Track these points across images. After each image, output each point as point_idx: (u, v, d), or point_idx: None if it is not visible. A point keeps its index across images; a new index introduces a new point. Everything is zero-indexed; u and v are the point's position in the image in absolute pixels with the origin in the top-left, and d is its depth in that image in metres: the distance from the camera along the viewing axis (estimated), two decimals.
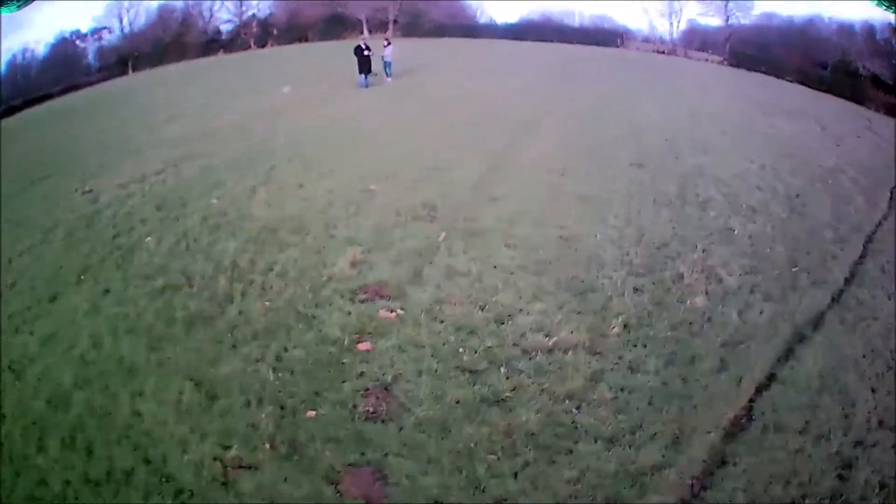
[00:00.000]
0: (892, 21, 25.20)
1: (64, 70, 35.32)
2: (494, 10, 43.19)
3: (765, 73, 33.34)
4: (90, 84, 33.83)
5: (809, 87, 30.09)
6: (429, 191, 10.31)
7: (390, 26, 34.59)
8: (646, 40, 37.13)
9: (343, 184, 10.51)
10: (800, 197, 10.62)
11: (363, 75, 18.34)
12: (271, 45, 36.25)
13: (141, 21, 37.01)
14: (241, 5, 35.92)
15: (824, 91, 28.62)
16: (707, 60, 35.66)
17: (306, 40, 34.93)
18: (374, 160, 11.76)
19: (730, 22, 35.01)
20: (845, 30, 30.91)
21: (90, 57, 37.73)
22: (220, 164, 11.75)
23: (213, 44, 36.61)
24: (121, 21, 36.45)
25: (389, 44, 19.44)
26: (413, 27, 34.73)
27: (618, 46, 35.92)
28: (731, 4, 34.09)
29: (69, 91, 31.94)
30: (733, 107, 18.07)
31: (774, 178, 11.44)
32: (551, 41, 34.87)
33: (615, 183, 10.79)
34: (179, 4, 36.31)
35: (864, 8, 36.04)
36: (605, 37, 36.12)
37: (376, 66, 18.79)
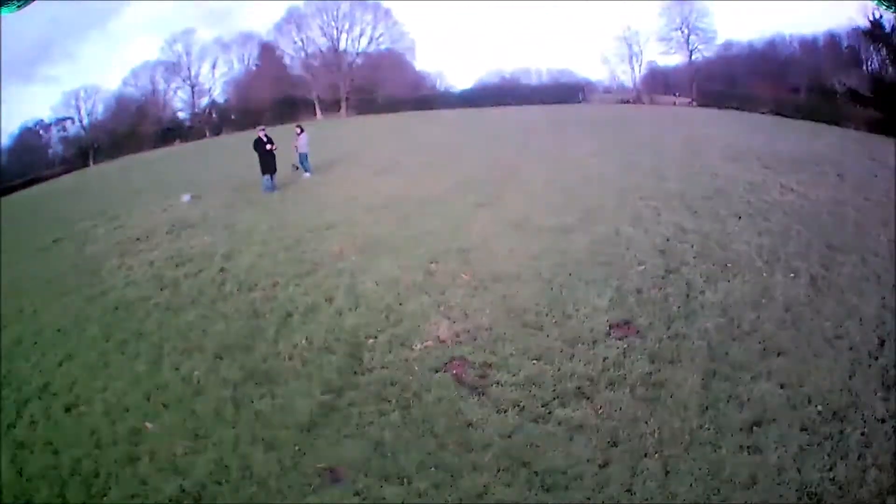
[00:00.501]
0: (857, 24, 23.52)
1: (28, 161, 34.43)
2: (454, 78, 42.98)
3: (737, 108, 31.77)
4: (54, 176, 32.63)
5: (785, 115, 28.23)
6: None
7: (342, 104, 33.64)
8: (607, 91, 36.03)
9: None
10: None
11: (268, 175, 14.15)
12: (226, 132, 35.35)
13: (99, 111, 36.61)
14: (193, 93, 35.41)
15: (802, 118, 26.62)
16: (675, 104, 34.27)
17: (260, 125, 33.82)
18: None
19: (693, 57, 33.98)
20: (808, 45, 29.59)
21: (54, 148, 37.20)
22: None
23: (170, 133, 35.85)
24: (78, 111, 36.04)
25: (302, 131, 15.37)
26: (366, 104, 33.78)
27: (580, 101, 34.66)
28: (692, 37, 33.04)
29: (33, 183, 30.45)
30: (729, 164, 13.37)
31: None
32: (510, 104, 33.63)
33: None
34: (135, 93, 35.98)
35: (823, 18, 34.93)
36: (565, 92, 34.96)
37: (286, 161, 15.08)
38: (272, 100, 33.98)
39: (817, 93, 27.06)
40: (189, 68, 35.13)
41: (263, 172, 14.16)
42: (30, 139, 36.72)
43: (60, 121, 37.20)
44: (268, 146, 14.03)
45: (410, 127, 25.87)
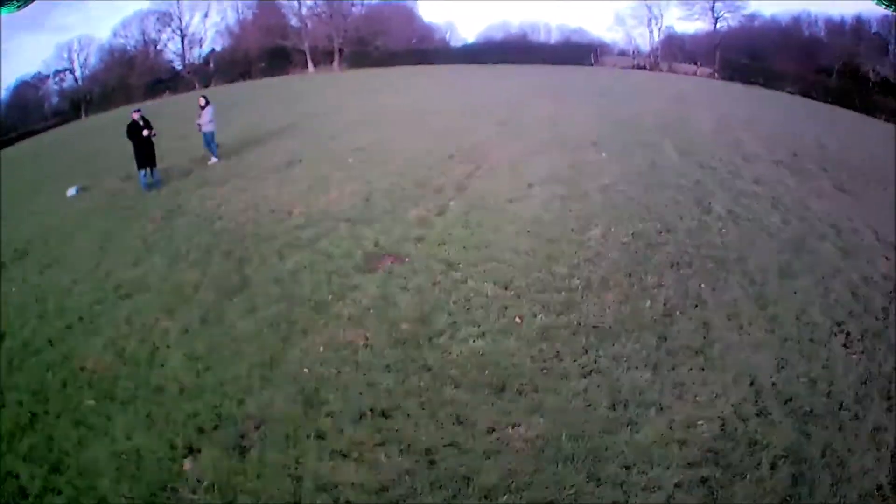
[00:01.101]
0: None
1: (23, 114, 33.79)
2: (465, 30, 40.03)
3: (762, 84, 28.99)
4: (47, 129, 31.96)
5: (813, 97, 25.63)
6: None
7: (336, 57, 31.56)
8: (623, 53, 33.15)
9: None
10: None
11: (144, 170, 10.90)
12: (214, 84, 33.70)
13: (92, 63, 35.36)
14: (183, 44, 33.59)
15: (831, 102, 24.13)
16: (696, 73, 31.41)
17: (249, 77, 32.14)
18: None
19: (717, 25, 30.81)
20: (835, 26, 26.47)
21: (50, 100, 36.34)
22: None
23: (160, 84, 34.39)
24: (71, 63, 34.84)
25: (207, 104, 12.08)
26: (361, 57, 31.60)
27: (592, 64, 31.97)
28: (718, 4, 29.83)
29: (24, 137, 29.75)
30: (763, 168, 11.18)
31: None
32: (515, 62, 31.18)
33: None
34: (127, 43, 34.34)
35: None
36: (577, 53, 32.23)
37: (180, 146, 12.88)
38: (263, 50, 32.02)
39: (849, 78, 24.31)
40: (180, 17, 33.06)
41: (139, 166, 10.91)
42: (27, 92, 35.72)
43: (59, 72, 36.01)
44: (144, 132, 10.71)
45: (389, 85, 23.93)
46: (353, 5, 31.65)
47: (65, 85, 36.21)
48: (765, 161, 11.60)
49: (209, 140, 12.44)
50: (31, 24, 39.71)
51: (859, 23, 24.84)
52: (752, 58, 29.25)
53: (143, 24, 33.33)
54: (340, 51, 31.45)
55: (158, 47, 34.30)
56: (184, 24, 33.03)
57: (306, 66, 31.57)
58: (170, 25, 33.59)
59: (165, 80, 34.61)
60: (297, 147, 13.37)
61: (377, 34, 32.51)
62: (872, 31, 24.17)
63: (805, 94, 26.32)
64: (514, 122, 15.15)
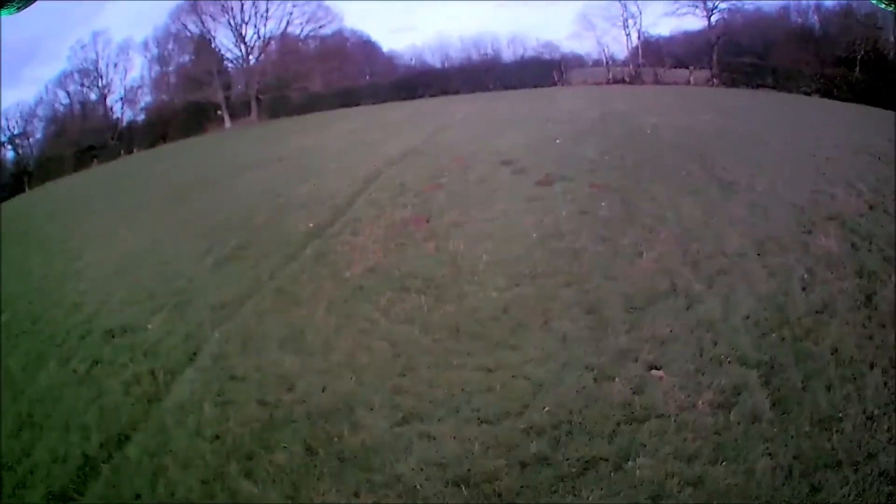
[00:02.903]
0: None
1: None
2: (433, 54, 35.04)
3: (773, 87, 21.78)
4: None
5: (836, 97, 18.40)
6: None
7: (252, 107, 27.37)
8: (597, 64, 26.73)
9: None
10: None
11: None
12: (137, 150, 30.57)
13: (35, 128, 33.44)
14: (105, 105, 30.70)
15: (856, 100, 17.03)
16: (689, 82, 24.50)
17: (165, 140, 28.62)
18: None
19: (713, 20, 23.82)
20: (846, 9, 19.04)
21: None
22: None
23: (89, 153, 31.74)
24: (10, 131, 32.97)
25: None
26: (280, 103, 27.21)
27: (555, 84, 25.85)
28: None
29: None
30: None
31: None
32: (457, 92, 25.72)
33: None
34: (54, 108, 32.02)
35: None
36: (536, 72, 26.25)
37: None
38: (180, 108, 28.49)
39: (874, 68, 17.13)
40: (102, 75, 30.28)
41: None
42: None
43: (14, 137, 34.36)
44: None
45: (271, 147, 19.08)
46: (263, 44, 27.40)
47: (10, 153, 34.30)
48: None
49: None
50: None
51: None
52: (756, 55, 22.15)
53: (65, 84, 30.81)
54: (258, 99, 27.25)
55: (87, 110, 31.73)
56: (104, 82, 30.18)
57: (223, 121, 27.61)
58: (97, 85, 30.89)
59: (95, 148, 31.87)
60: None
61: (299, 77, 28.10)
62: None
63: (826, 94, 19.10)
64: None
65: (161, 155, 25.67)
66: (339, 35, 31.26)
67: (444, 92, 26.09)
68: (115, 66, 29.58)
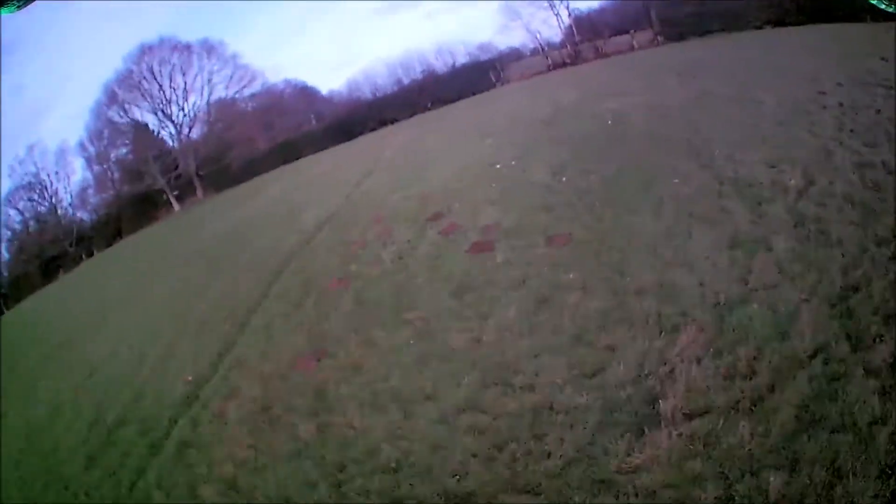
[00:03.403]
0: None
1: None
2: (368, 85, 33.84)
3: (724, 31, 19.60)
4: None
5: (789, 24, 16.26)
6: None
7: (197, 185, 26.34)
8: (535, 52, 24.91)
9: None
10: None
11: None
12: (97, 252, 29.87)
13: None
14: (56, 213, 30.11)
15: (804, 23, 14.93)
16: (633, 47, 22.47)
17: (121, 235, 27.79)
18: None
19: None
20: None
21: None
22: None
23: (52, 264, 31.22)
24: None
25: None
26: (219, 175, 26.10)
27: (493, 85, 24.12)
28: None
29: None
30: None
31: None
32: (394, 121, 24.24)
33: None
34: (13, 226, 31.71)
35: None
36: (473, 78, 24.59)
37: None
38: (126, 202, 27.68)
39: None
40: (46, 187, 29.81)
41: None
42: None
43: None
44: None
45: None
46: (193, 120, 26.44)
47: None
48: None
49: None
50: None
51: None
52: (695, 2, 20.05)
53: (14, 202, 30.36)
54: (200, 176, 26.22)
55: (40, 224, 31.23)
56: (49, 193, 29.64)
57: (170, 207, 26.64)
58: (44, 196, 30.40)
59: (58, 258, 31.27)
60: None
61: (241, 140, 27.05)
62: None
63: (779, 23, 16.94)
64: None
65: (116, 256, 24.81)
66: (272, 89, 30.41)
67: (382, 123, 24.65)
68: (57, 173, 29.34)
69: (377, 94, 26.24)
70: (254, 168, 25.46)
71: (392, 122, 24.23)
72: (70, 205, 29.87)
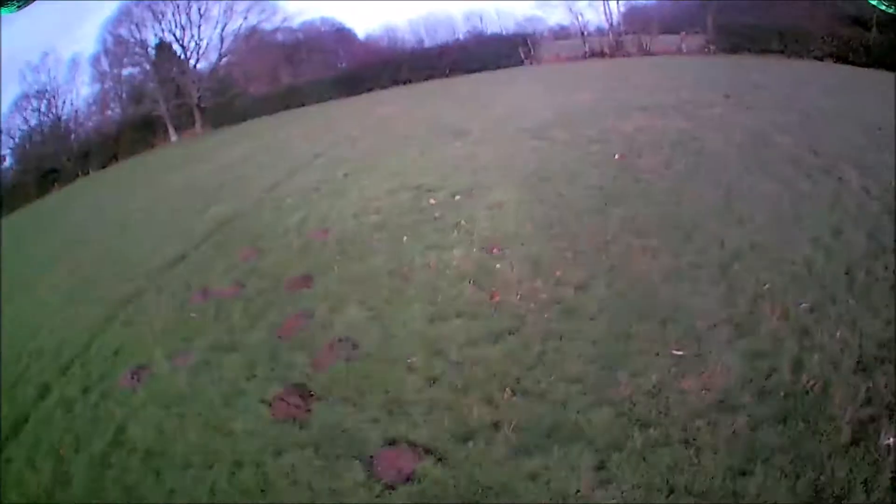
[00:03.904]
0: None
1: None
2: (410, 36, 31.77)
3: (780, 52, 17.28)
4: None
5: (851, 62, 14.18)
6: None
7: (196, 118, 25.16)
8: (563, 36, 22.64)
9: None
10: None
11: None
12: (92, 171, 29.28)
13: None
14: (61, 125, 29.43)
15: (867, 65, 12.96)
16: (681, 50, 20.14)
17: (117, 158, 27.02)
18: None
19: None
20: None
21: None
22: None
23: (50, 177, 30.85)
24: None
25: None
26: (222, 110, 24.85)
27: (522, 62, 22.13)
28: None
29: None
30: None
31: None
32: (407, 81, 22.64)
33: None
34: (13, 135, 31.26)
35: None
36: (500, 50, 22.60)
37: None
38: (125, 124, 26.72)
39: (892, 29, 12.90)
40: (55, 96, 28.87)
41: None
42: None
43: None
44: None
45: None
46: (202, 48, 24.95)
47: None
48: None
49: None
50: None
51: None
52: (756, 16, 17.68)
53: (21, 108, 29.80)
54: (199, 106, 25.00)
55: (43, 134, 30.63)
56: (57, 103, 28.83)
57: (167, 136, 25.63)
58: (52, 107, 29.65)
59: (56, 171, 30.84)
60: None
61: (258, 76, 25.68)
62: None
63: (841, 58, 14.81)
64: None
65: (106, 179, 24.07)
66: (310, 25, 28.71)
67: (395, 82, 23.03)
68: (66, 84, 28.39)
69: (399, 49, 24.36)
70: (256, 110, 24.20)
71: (406, 83, 22.60)
72: (74, 118, 29.08)
